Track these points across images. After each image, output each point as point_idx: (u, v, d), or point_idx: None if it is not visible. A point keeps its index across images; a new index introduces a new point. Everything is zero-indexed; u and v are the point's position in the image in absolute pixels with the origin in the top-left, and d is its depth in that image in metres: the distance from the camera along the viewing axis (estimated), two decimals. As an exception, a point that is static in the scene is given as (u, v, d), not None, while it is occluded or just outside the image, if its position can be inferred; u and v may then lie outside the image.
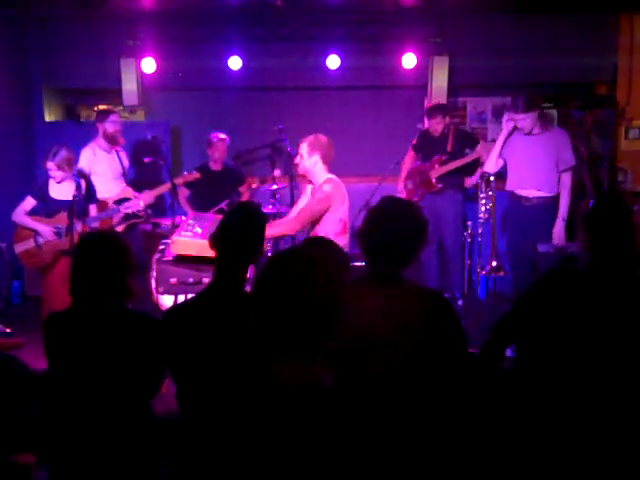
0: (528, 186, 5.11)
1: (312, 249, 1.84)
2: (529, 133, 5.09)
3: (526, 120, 5.05)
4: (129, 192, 5.45)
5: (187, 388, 2.41)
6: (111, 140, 5.56)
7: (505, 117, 5.22)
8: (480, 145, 5.88)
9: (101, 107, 5.86)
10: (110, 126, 5.52)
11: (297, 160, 4.30)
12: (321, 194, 4.09)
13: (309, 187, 4.34)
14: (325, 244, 1.89)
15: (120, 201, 5.43)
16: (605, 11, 6.45)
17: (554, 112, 6.86)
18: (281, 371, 1.67)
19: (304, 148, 4.20)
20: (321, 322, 1.66)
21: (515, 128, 5.17)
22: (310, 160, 4.17)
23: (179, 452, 2.40)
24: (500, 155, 5.23)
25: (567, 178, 5.04)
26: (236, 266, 2.48)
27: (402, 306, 2.26)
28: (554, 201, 5.05)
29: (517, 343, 2.58)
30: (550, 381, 2.38)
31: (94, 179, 5.44)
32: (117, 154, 5.63)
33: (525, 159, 5.12)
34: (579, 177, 5.56)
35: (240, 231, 2.50)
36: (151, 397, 2.53)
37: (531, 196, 5.10)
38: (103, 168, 5.54)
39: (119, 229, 5.36)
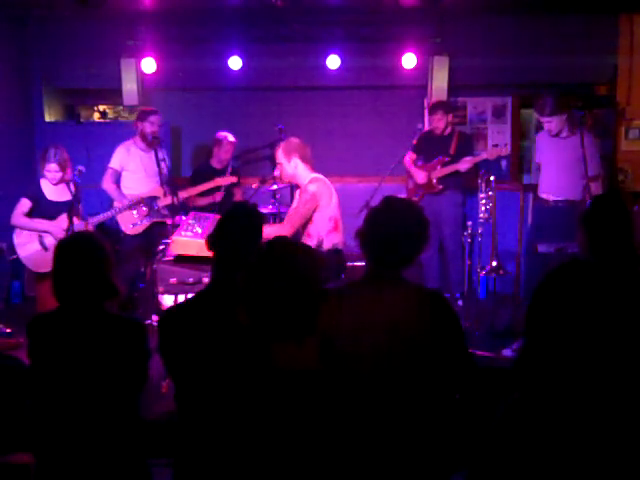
0: (549, 190, 5.07)
1: (282, 242, 1.98)
2: (557, 135, 5.02)
3: (552, 123, 4.97)
4: (159, 191, 5.50)
5: (186, 388, 2.41)
6: (145, 140, 5.60)
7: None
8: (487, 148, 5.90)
9: (143, 108, 5.94)
10: (148, 126, 5.57)
11: (277, 171, 4.33)
12: (307, 194, 4.12)
13: (298, 190, 4.36)
14: (292, 241, 2.05)
15: (150, 199, 5.52)
16: (605, 11, 6.44)
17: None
18: (277, 356, 1.81)
19: (280, 156, 4.23)
20: (305, 304, 1.82)
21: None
22: (290, 165, 4.21)
23: (181, 452, 2.39)
24: (538, 157, 5.23)
25: (596, 186, 4.90)
26: (234, 266, 2.47)
27: (402, 306, 2.26)
28: (575, 205, 4.97)
29: (526, 339, 2.57)
30: (558, 382, 2.38)
31: (126, 176, 5.60)
32: (155, 154, 5.49)
33: (550, 163, 5.08)
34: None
35: (237, 232, 2.49)
36: (134, 398, 2.51)
37: (550, 199, 5.06)
38: (136, 166, 5.61)
39: (142, 227, 5.43)
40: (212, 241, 2.51)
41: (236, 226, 2.50)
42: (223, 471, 2.26)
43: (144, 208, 5.44)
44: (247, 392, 2.03)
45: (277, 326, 1.81)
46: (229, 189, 6.37)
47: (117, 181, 5.61)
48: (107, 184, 5.56)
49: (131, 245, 5.56)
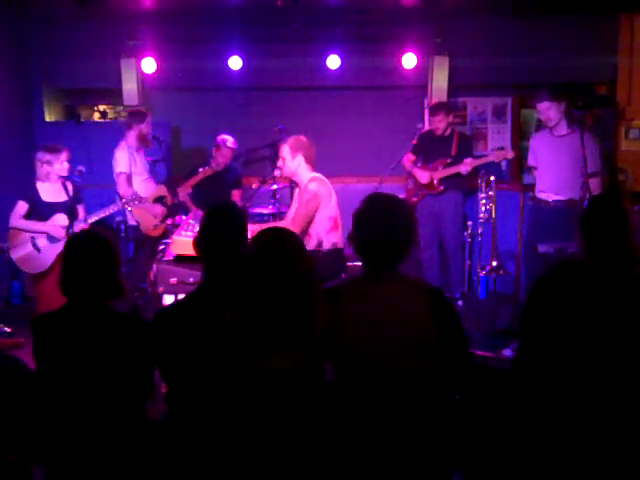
0: (548, 190, 5.05)
1: (278, 241, 1.95)
2: (554, 127, 4.99)
3: (551, 110, 4.92)
4: (163, 190, 5.51)
5: (178, 389, 2.40)
6: (144, 140, 5.60)
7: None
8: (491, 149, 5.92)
9: (136, 109, 5.94)
10: (146, 127, 5.58)
11: (279, 164, 4.33)
12: (308, 194, 4.13)
13: (297, 191, 4.36)
14: (284, 235, 1.99)
15: (159, 199, 5.53)
16: (605, 11, 6.45)
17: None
18: (273, 361, 1.82)
19: (286, 151, 4.24)
20: (301, 313, 1.82)
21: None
22: (294, 162, 4.22)
23: (171, 453, 2.39)
24: (533, 159, 5.22)
25: (596, 184, 4.84)
26: (221, 267, 2.46)
27: (402, 302, 2.26)
28: (573, 204, 4.92)
29: (521, 341, 2.57)
30: (554, 382, 2.38)
31: (133, 179, 5.55)
32: (143, 153, 5.66)
33: (549, 163, 5.05)
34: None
35: (221, 232, 2.49)
36: (143, 399, 2.51)
37: (550, 200, 5.05)
38: (139, 168, 5.60)
39: (163, 227, 5.48)
40: (197, 244, 2.51)
41: (219, 227, 2.50)
42: (213, 472, 2.26)
43: (162, 208, 5.45)
44: (238, 393, 2.03)
45: (274, 336, 1.81)
46: (228, 191, 6.38)
47: (131, 185, 5.53)
48: (125, 189, 5.40)
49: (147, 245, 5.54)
